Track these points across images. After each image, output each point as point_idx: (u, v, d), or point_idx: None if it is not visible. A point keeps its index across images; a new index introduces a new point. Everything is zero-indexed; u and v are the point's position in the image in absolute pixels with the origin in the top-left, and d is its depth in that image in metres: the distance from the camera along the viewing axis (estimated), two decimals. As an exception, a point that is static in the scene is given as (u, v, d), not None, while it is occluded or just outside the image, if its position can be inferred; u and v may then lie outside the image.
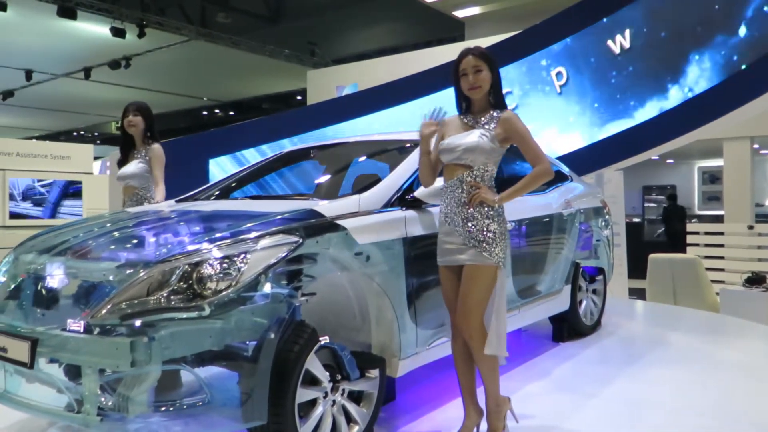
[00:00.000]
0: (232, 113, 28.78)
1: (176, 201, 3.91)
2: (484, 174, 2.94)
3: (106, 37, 17.28)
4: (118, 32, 17.00)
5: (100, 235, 2.90)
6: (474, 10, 14.67)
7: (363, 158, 4.05)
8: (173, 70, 22.03)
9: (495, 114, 2.95)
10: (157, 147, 4.48)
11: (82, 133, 32.76)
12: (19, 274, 2.80)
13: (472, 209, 2.90)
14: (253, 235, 2.57)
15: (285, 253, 2.54)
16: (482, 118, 2.96)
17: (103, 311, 2.33)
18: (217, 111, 29.53)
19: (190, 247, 2.49)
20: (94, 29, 17.40)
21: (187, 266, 2.40)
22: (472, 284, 2.90)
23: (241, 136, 7.51)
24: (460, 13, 15.04)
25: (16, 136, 28.83)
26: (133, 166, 4.48)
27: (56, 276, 2.62)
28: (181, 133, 21.66)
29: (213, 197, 3.90)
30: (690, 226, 10.06)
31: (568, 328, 4.86)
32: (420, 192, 3.23)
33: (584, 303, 5.01)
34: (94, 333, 2.29)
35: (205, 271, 2.39)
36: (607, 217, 5.45)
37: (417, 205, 3.27)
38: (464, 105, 3.05)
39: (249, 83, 24.27)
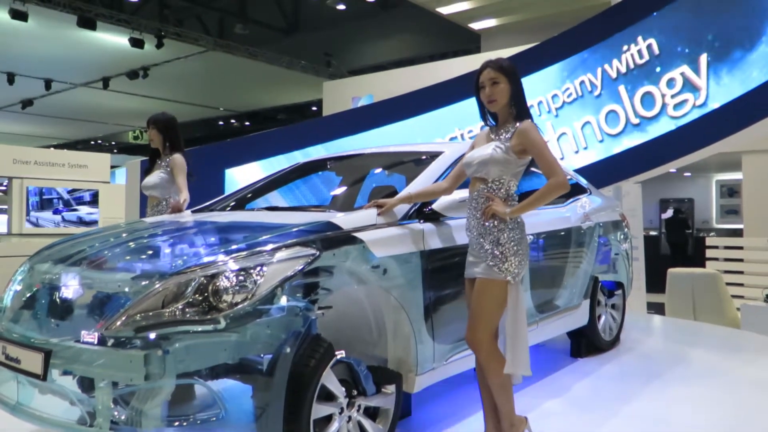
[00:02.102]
0: (248, 123, 28.96)
1: (192, 211, 3.90)
2: (500, 187, 2.89)
3: (125, 48, 17.47)
4: (136, 42, 17.17)
5: (116, 246, 2.88)
6: (490, 22, 14.66)
7: (380, 170, 4.02)
8: (190, 81, 22.21)
9: (514, 125, 2.91)
10: (177, 156, 4.52)
11: (99, 142, 33.08)
12: (34, 283, 2.78)
13: (486, 222, 2.86)
14: (270, 247, 2.53)
15: (302, 266, 2.51)
16: (503, 131, 2.92)
17: (118, 323, 2.31)
18: (233, 121, 29.73)
19: (206, 259, 2.46)
20: (113, 39, 17.59)
21: (202, 278, 2.37)
22: (480, 298, 2.86)
23: (258, 147, 7.52)
24: (476, 25, 15.04)
25: (34, 144, 29.14)
26: (155, 177, 4.56)
27: (71, 286, 2.60)
28: (198, 142, 21.79)
29: (229, 208, 3.88)
30: (709, 240, 9.92)
31: (586, 343, 4.78)
32: (438, 204, 3.20)
33: (603, 318, 4.93)
34: (108, 345, 2.27)
35: (221, 284, 2.36)
36: (626, 230, 5.37)
37: (435, 217, 3.23)
38: (491, 117, 3.02)
39: (265, 94, 24.40)
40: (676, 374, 4.42)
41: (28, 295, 2.76)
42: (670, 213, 15.12)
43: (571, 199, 4.73)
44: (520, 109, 2.93)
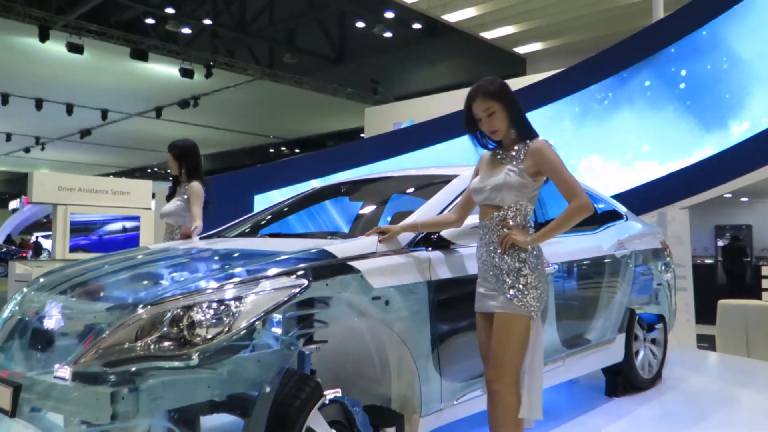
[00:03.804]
0: (297, 150, 29.33)
1: (201, 238, 3.81)
2: (517, 213, 2.68)
3: (176, 78, 17.96)
4: (186, 73, 17.66)
5: (107, 274, 2.79)
6: (536, 46, 14.47)
7: (393, 195, 3.84)
8: (239, 109, 22.67)
9: (525, 145, 2.69)
10: (194, 184, 4.47)
11: (156, 169, 34.08)
12: (22, 312, 2.70)
13: (503, 253, 2.65)
14: (254, 277, 2.38)
15: (287, 298, 2.33)
16: (512, 152, 2.71)
17: (87, 357, 2.18)
18: (283, 148, 30.18)
19: (183, 290, 2.32)
20: (164, 70, 18.12)
21: (178, 310, 2.22)
22: (502, 335, 2.64)
23: (286, 173, 7.47)
24: (521, 50, 14.86)
25: (93, 172, 30.24)
26: (172, 204, 4.54)
27: (52, 316, 2.50)
28: (249, 170, 22.11)
29: (238, 234, 3.76)
30: (766, 270, 9.30)
31: (622, 381, 4.43)
32: (448, 231, 3.00)
33: (641, 353, 4.57)
34: (77, 381, 2.14)
35: (196, 317, 2.21)
36: (667, 259, 5.01)
37: (444, 245, 3.02)
38: (491, 141, 2.81)
39: (313, 121, 24.70)
40: (722, 417, 4.04)
41: (15, 323, 2.68)
42: (726, 240, 14.41)
43: (605, 225, 4.44)
44: (522, 129, 2.72)
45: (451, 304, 2.96)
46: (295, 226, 4.09)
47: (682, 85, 6.44)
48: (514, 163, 2.68)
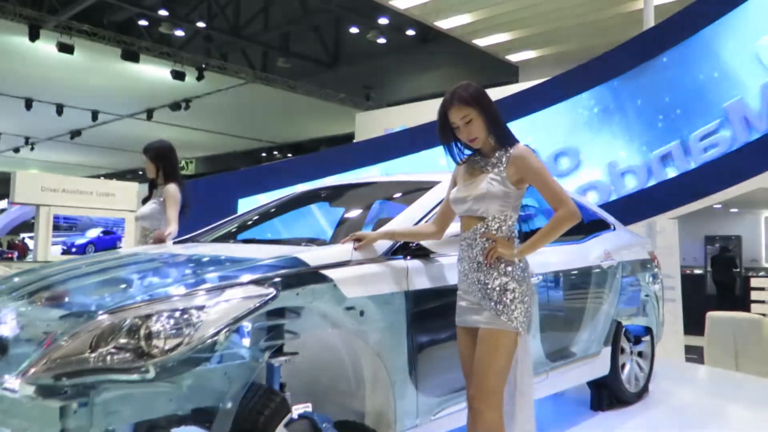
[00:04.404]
0: (290, 155, 29.23)
1: (174, 242, 3.69)
2: (502, 224, 2.57)
3: (167, 80, 17.84)
4: (177, 75, 17.54)
5: (68, 279, 2.66)
6: (529, 54, 14.44)
7: (375, 201, 3.73)
8: (231, 112, 22.56)
9: (506, 152, 2.59)
10: (170, 186, 4.34)
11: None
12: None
13: (488, 266, 2.54)
14: (219, 285, 2.26)
15: (252, 308, 2.21)
16: (493, 158, 2.60)
17: (38, 368, 2.05)
18: (275, 153, 30.06)
19: (142, 298, 2.20)
20: (155, 72, 17.98)
21: (136, 320, 2.10)
22: (488, 351, 2.52)
23: (270, 177, 7.36)
24: (513, 57, 14.83)
25: (83, 174, 30.00)
26: (147, 207, 4.41)
27: (7, 323, 2.37)
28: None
29: (213, 239, 3.65)
30: (755, 281, 9.25)
31: (608, 395, 4.33)
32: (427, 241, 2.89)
33: (628, 367, 4.47)
34: (25, 393, 2.01)
35: (154, 327, 2.09)
36: (655, 270, 4.92)
37: (423, 254, 2.92)
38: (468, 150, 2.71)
39: (305, 126, 24.63)
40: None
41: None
42: (716, 251, 14.37)
43: (591, 235, 4.34)
44: (500, 134, 2.60)
45: (429, 316, 2.85)
46: (273, 232, 3.97)
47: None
48: (496, 171, 2.57)
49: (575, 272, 3.95)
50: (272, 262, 2.48)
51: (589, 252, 4.16)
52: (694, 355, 7.37)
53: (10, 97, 19.94)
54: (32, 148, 28.02)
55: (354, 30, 16.98)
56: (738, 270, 13.85)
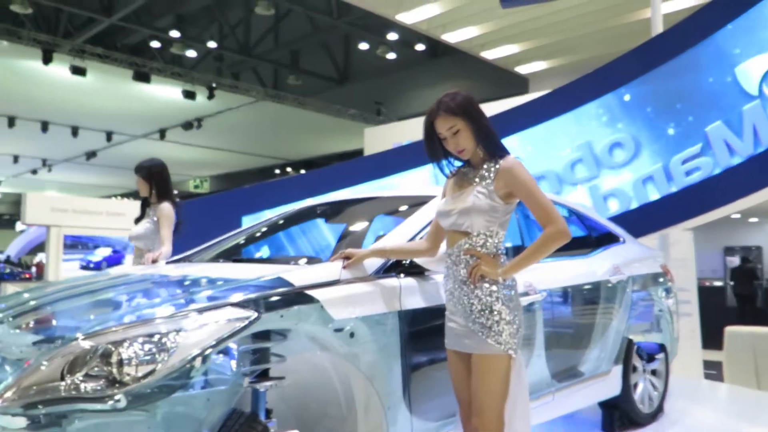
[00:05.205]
0: (303, 171, 29.25)
1: (167, 262, 3.61)
2: (487, 240, 2.45)
3: (179, 100, 17.96)
4: (188, 95, 17.65)
5: (51, 303, 2.59)
6: (538, 66, 14.34)
7: (372, 217, 3.62)
8: (243, 130, 22.66)
9: (495, 163, 2.47)
10: (164, 206, 4.28)
11: (162, 191, 34.08)
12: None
13: (473, 285, 2.42)
14: (197, 308, 2.16)
15: (231, 331, 2.11)
16: (483, 171, 2.49)
17: (7, 396, 1.96)
18: (289, 169, 30.13)
19: (120, 322, 2.11)
20: (166, 92, 18.10)
21: (108, 345, 2.01)
22: (481, 377, 2.41)
23: (274, 194, 7.28)
24: (523, 69, 14.75)
25: (99, 194, 30.28)
26: (141, 227, 4.35)
27: (-17, 349, 2.29)
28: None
29: (207, 259, 3.55)
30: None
31: (620, 416, 4.15)
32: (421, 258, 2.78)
33: (641, 386, 4.29)
34: (-8, 424, 1.93)
35: (126, 353, 1.99)
36: (668, 284, 4.75)
37: (418, 272, 2.80)
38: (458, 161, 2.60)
39: (317, 142, 24.68)
40: (727, 455, 3.76)
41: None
42: (736, 262, 14.05)
43: (599, 249, 4.20)
44: (489, 145, 2.48)
45: (424, 336, 2.73)
46: (270, 249, 3.88)
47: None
48: (484, 183, 2.45)
49: (582, 288, 3.80)
50: (255, 283, 2.38)
51: (597, 266, 4.01)
52: (713, 370, 7.13)
53: (27, 120, 20.18)
54: (49, 170, 28.33)
55: (364, 46, 17.01)
56: (759, 281, 13.53)
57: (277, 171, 30.31)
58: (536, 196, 2.41)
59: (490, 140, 2.47)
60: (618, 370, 4.02)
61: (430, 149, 2.54)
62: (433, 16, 12.03)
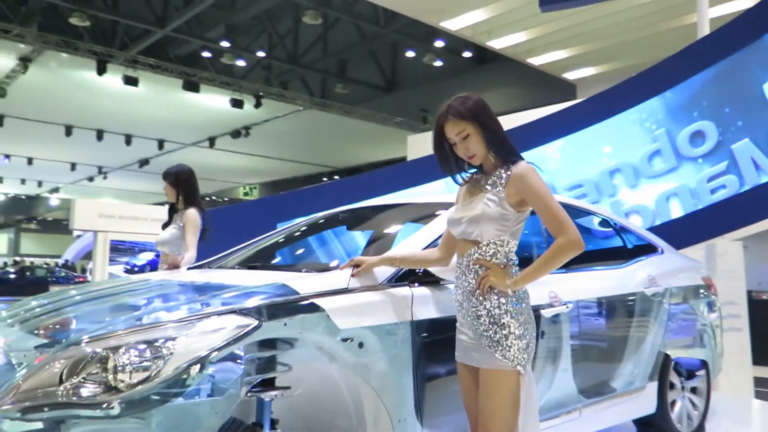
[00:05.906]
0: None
1: (188, 268, 3.62)
2: (498, 250, 2.34)
3: (227, 108, 18.29)
4: (236, 103, 17.97)
5: (63, 308, 2.62)
6: (585, 72, 14.05)
7: (388, 225, 3.55)
8: (289, 139, 22.94)
9: (507, 169, 2.37)
10: (190, 211, 4.31)
11: (213, 198, 34.81)
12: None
13: (482, 297, 2.32)
14: (197, 314, 2.13)
15: (229, 339, 2.07)
16: (493, 176, 2.39)
17: (5, 401, 1.97)
18: (336, 177, 30.35)
19: (119, 327, 2.09)
20: (215, 101, 18.47)
21: (105, 351, 1.99)
22: (489, 394, 2.30)
23: (309, 201, 7.27)
24: (570, 75, 14.46)
25: (152, 201, 31.08)
26: (167, 233, 4.39)
27: (-5, 352, 2.31)
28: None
29: (227, 266, 3.55)
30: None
31: (656, 435, 3.96)
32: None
33: (678, 404, 4.08)
34: (-9, 426, 1.93)
35: (121, 359, 1.97)
36: (712, 297, 4.51)
37: (432, 281, 2.72)
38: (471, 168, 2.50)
39: (363, 150, 24.79)
40: (771, 481, 3.53)
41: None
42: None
43: (634, 260, 4.02)
44: (501, 151, 2.37)
45: (437, 348, 2.64)
46: (291, 256, 3.85)
47: None
48: (495, 190, 2.34)
49: (612, 299, 3.64)
50: (258, 290, 2.34)
51: (631, 277, 3.83)
52: (766, 388, 6.77)
53: (83, 129, 20.91)
54: (105, 177, 29.29)
55: (410, 54, 17.00)
56: (820, 294, 12.84)
57: (325, 179, 30.59)
58: (548, 204, 2.29)
59: (501, 145, 2.37)
60: (653, 386, 3.83)
61: (440, 155, 2.46)
62: (477, 22, 11.90)
